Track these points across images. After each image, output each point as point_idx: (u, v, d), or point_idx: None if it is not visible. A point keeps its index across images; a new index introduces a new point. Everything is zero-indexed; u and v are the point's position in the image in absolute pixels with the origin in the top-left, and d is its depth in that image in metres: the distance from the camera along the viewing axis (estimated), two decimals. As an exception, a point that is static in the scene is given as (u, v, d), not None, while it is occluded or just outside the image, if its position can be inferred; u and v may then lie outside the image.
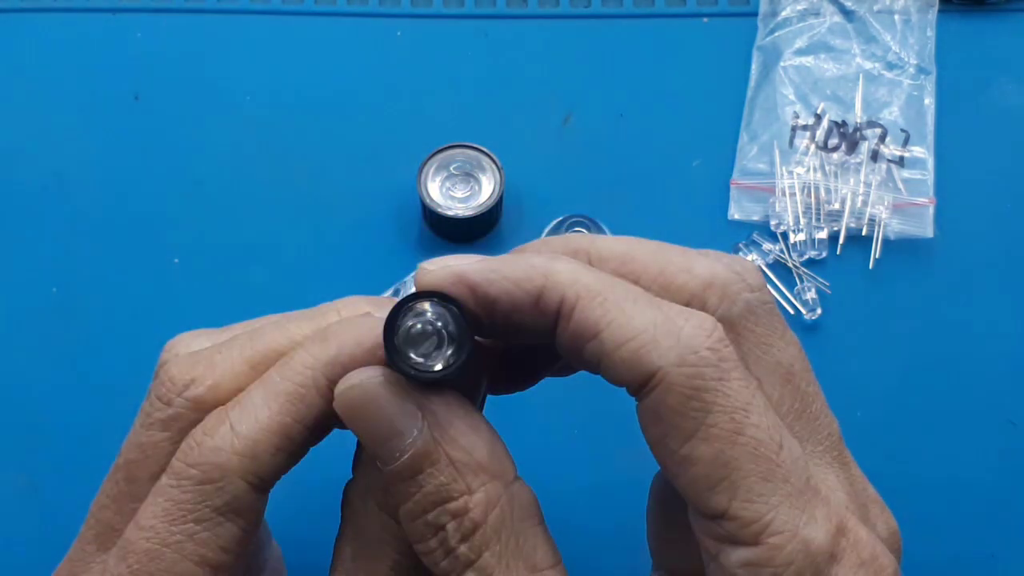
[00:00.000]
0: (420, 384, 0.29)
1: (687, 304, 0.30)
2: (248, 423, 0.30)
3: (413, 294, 0.29)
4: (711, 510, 0.28)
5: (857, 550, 0.28)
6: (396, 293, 0.55)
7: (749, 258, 0.57)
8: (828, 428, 0.31)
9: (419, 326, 0.29)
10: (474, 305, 0.30)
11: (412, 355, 0.29)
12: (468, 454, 0.29)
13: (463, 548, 0.29)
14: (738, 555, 0.28)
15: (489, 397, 0.34)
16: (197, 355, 0.33)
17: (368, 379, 0.29)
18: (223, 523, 0.30)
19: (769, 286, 0.32)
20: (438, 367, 0.29)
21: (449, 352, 0.29)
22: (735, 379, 0.28)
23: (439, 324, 0.29)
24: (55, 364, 0.55)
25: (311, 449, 0.32)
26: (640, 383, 0.28)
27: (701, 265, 0.31)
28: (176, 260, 0.57)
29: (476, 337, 0.30)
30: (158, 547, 0.30)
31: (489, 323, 0.30)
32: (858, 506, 0.31)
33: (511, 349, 0.35)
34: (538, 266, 0.29)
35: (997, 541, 0.52)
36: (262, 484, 0.31)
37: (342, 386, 0.30)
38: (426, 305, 0.29)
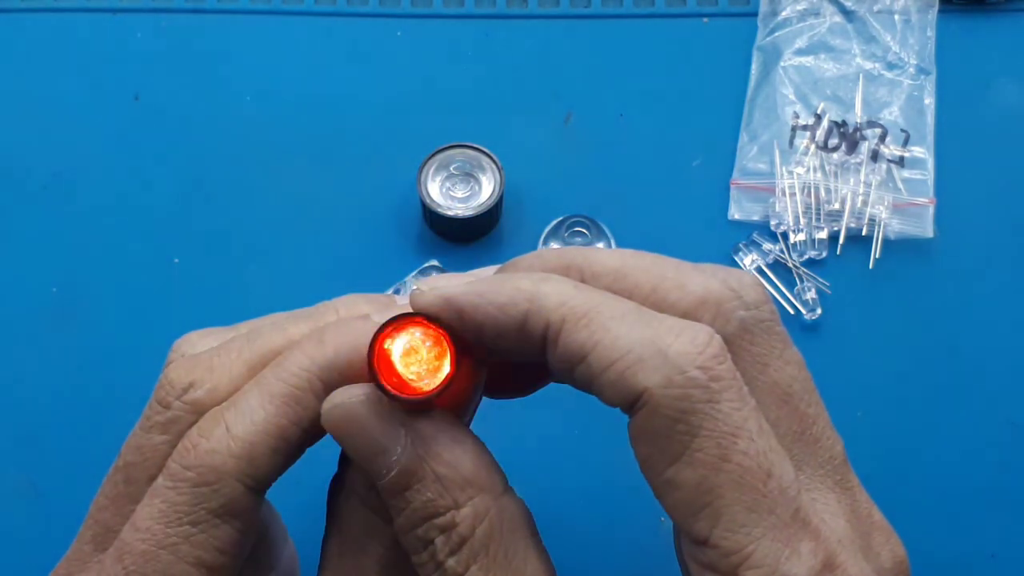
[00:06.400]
0: (404, 405, 0.29)
1: None
2: (244, 425, 0.30)
3: (399, 316, 0.29)
4: (694, 535, 0.28)
5: None
6: (397, 293, 0.55)
7: (749, 258, 0.57)
8: (830, 451, 0.30)
9: (406, 347, 0.29)
10: (463, 329, 0.29)
11: (398, 375, 0.29)
12: (454, 469, 0.29)
13: (451, 562, 0.29)
14: None
15: (485, 403, 0.34)
16: (196, 358, 0.33)
17: (351, 398, 0.29)
18: (219, 525, 0.30)
19: (772, 301, 0.31)
20: (422, 388, 0.29)
21: (436, 373, 0.29)
22: (726, 400, 0.27)
23: (427, 345, 0.29)
24: (55, 364, 0.55)
25: (318, 446, 0.32)
26: (629, 404, 0.28)
27: (695, 282, 0.30)
28: (176, 260, 0.57)
29: (474, 354, 0.30)
30: (154, 549, 0.30)
31: (482, 344, 0.30)
32: (860, 534, 0.30)
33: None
34: (524, 289, 0.29)
35: (997, 541, 0.52)
36: (258, 486, 0.31)
37: (327, 405, 0.30)
38: (414, 327, 0.29)
